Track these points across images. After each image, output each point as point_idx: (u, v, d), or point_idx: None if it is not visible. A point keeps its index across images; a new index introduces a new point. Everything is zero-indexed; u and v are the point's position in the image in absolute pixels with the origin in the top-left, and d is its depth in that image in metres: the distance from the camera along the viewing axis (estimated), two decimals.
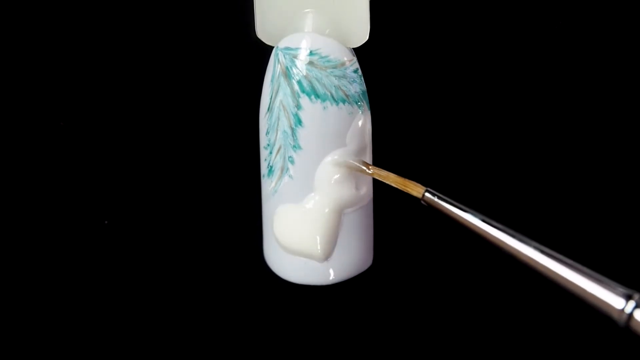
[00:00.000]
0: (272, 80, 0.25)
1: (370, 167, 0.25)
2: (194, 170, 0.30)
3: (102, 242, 0.30)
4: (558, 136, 0.29)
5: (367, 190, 0.26)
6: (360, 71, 0.26)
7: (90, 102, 0.30)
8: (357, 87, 0.25)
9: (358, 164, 0.25)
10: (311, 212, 0.25)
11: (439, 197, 0.23)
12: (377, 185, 0.26)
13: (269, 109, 0.25)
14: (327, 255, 0.25)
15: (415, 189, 0.24)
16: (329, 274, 0.26)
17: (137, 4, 0.29)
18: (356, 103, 0.25)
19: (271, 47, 0.26)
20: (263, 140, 0.26)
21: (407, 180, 0.24)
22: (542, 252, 0.20)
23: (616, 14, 0.28)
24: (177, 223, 0.30)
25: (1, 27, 0.29)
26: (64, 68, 0.30)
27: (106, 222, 0.30)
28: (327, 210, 0.25)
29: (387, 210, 0.28)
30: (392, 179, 0.24)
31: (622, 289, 0.19)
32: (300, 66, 0.25)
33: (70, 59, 0.30)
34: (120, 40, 0.29)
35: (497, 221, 0.22)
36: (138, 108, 0.30)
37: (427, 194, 0.23)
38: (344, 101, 0.25)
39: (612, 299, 0.19)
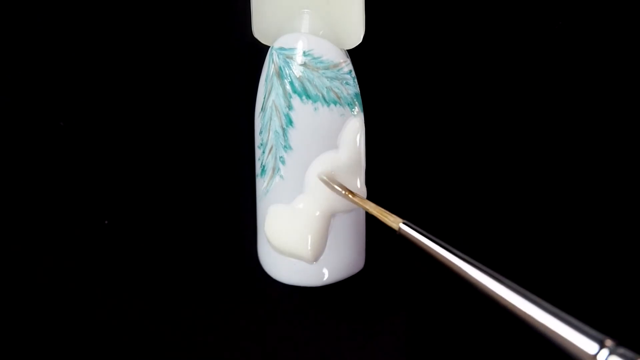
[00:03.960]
0: (266, 80, 0.25)
1: (350, 192, 0.24)
2: (192, 170, 0.30)
3: (100, 242, 0.30)
4: (559, 141, 0.29)
5: (359, 192, 0.26)
6: (353, 73, 0.25)
7: (89, 102, 0.30)
8: (349, 89, 0.25)
9: (338, 188, 0.25)
10: (301, 213, 0.25)
11: (415, 230, 0.22)
12: (370, 188, 0.26)
13: (263, 108, 0.25)
14: (316, 257, 0.25)
15: (392, 220, 0.23)
16: (320, 275, 0.26)
17: (135, 3, 0.29)
18: (348, 105, 0.25)
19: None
20: (257, 139, 0.26)
21: (384, 210, 0.23)
22: (517, 292, 0.20)
23: (616, 14, 0.28)
24: (174, 222, 0.30)
25: (1, 27, 0.30)
26: (62, 66, 0.30)
27: (106, 222, 0.30)
28: (317, 212, 0.25)
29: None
30: (370, 207, 0.24)
31: (596, 334, 0.19)
32: (293, 66, 0.25)
33: (69, 57, 0.30)
34: (118, 39, 0.30)
35: (476, 252, 0.21)
36: (139, 107, 0.30)
37: (402, 226, 0.23)
38: (335, 103, 0.25)
39: (585, 343, 0.18)
